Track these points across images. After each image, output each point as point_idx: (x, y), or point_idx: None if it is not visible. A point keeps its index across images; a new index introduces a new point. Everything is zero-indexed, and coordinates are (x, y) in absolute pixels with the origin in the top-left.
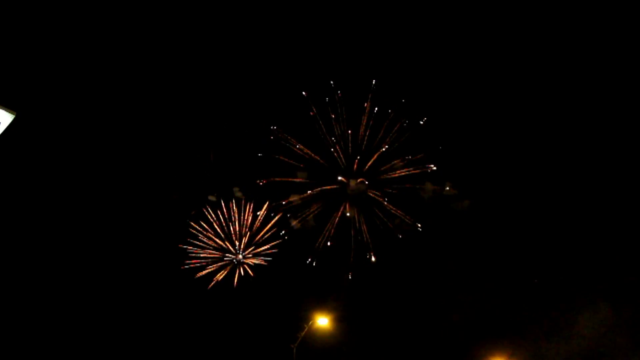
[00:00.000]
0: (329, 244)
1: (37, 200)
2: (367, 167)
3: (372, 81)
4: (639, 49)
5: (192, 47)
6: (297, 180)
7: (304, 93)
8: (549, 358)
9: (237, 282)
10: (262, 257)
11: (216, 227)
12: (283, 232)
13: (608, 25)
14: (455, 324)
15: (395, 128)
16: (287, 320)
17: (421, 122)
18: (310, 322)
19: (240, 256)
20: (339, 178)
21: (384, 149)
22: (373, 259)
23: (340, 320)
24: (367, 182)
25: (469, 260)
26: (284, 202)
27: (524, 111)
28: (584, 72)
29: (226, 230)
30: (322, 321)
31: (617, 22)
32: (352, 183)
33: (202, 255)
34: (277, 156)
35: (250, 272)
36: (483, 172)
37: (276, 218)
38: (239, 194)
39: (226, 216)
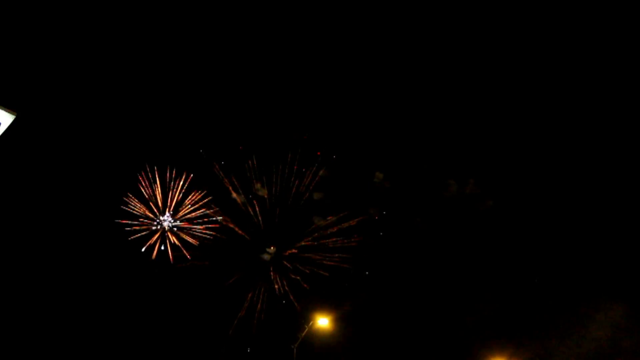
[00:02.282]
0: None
1: (37, 199)
2: None
3: None
4: None
5: (189, 48)
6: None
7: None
8: (551, 358)
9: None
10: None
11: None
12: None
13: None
14: (457, 324)
15: None
16: (288, 321)
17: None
18: (311, 323)
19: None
20: None
21: None
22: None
23: (341, 320)
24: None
25: (470, 260)
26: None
27: (529, 114)
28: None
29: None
30: (323, 321)
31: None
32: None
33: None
34: None
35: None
36: (494, 172)
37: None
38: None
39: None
